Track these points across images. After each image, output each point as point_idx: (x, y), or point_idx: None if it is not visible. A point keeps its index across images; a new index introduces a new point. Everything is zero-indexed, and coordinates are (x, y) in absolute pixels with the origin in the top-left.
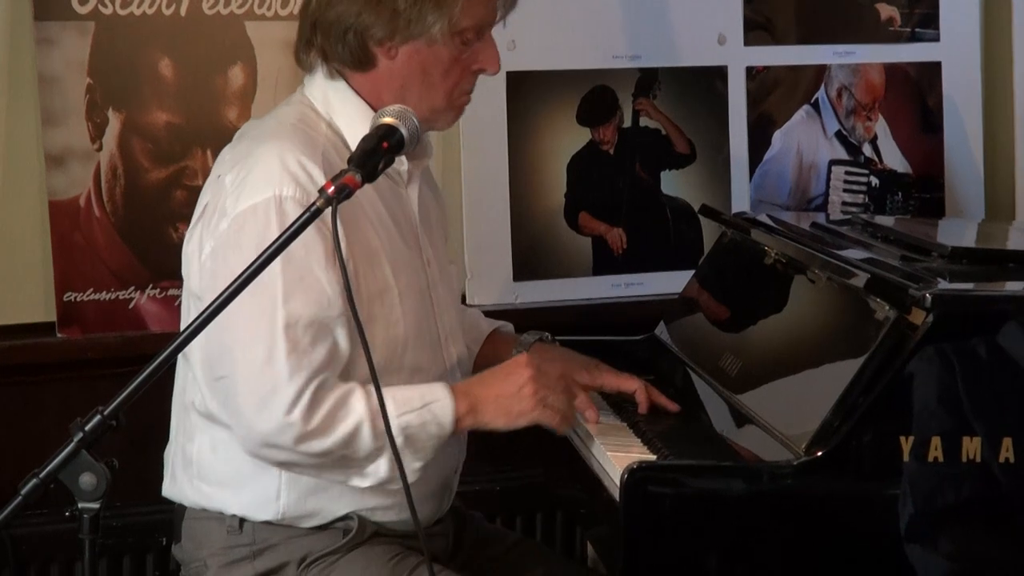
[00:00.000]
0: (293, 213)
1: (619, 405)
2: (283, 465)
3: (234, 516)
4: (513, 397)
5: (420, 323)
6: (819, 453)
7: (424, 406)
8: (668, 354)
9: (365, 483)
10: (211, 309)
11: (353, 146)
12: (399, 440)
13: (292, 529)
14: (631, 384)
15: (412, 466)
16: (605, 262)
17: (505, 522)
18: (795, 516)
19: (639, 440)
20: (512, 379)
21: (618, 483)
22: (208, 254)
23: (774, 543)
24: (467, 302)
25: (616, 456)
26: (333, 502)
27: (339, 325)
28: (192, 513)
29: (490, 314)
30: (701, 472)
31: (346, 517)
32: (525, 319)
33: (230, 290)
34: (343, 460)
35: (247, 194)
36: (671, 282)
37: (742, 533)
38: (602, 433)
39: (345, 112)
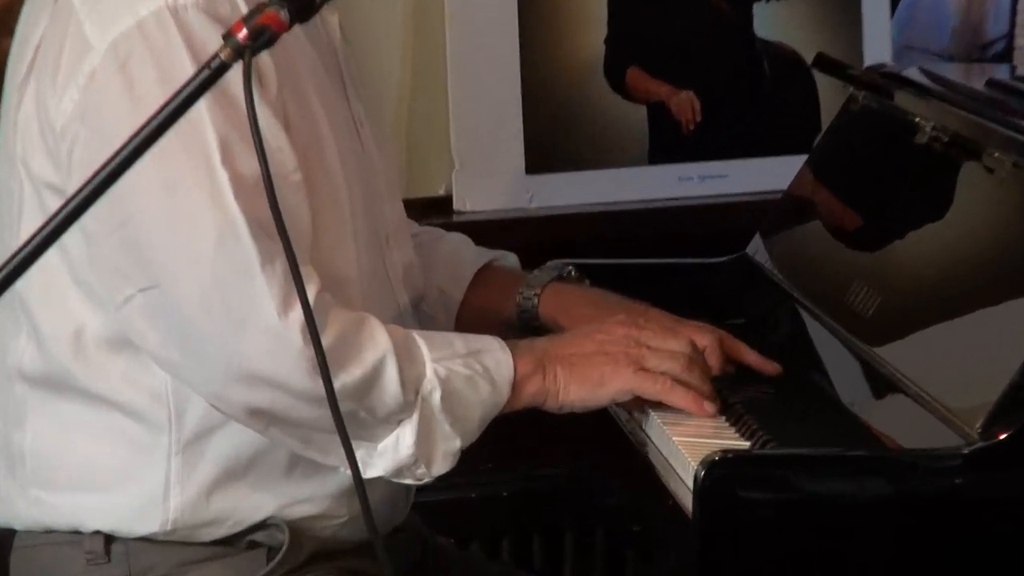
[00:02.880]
0: (202, 29)
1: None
2: (254, 417)
3: (97, 534)
4: (597, 356)
5: (359, 205)
6: (1001, 436)
7: (471, 354)
8: (765, 285)
9: (376, 467)
10: (96, 185)
11: None
12: (436, 396)
13: (187, 548)
14: (702, 337)
15: (449, 445)
16: (667, 144)
17: (516, 548)
18: (963, 530)
19: (721, 419)
20: (594, 335)
21: (690, 485)
22: (71, 113)
23: (927, 570)
24: (456, 208)
25: (686, 444)
26: (248, 499)
27: (295, 193)
28: (27, 539)
29: (489, 227)
30: (820, 467)
31: (267, 525)
32: (541, 234)
33: (131, 149)
34: (354, 418)
35: (118, 10)
36: (770, 174)
37: (880, 557)
38: (662, 408)
39: None
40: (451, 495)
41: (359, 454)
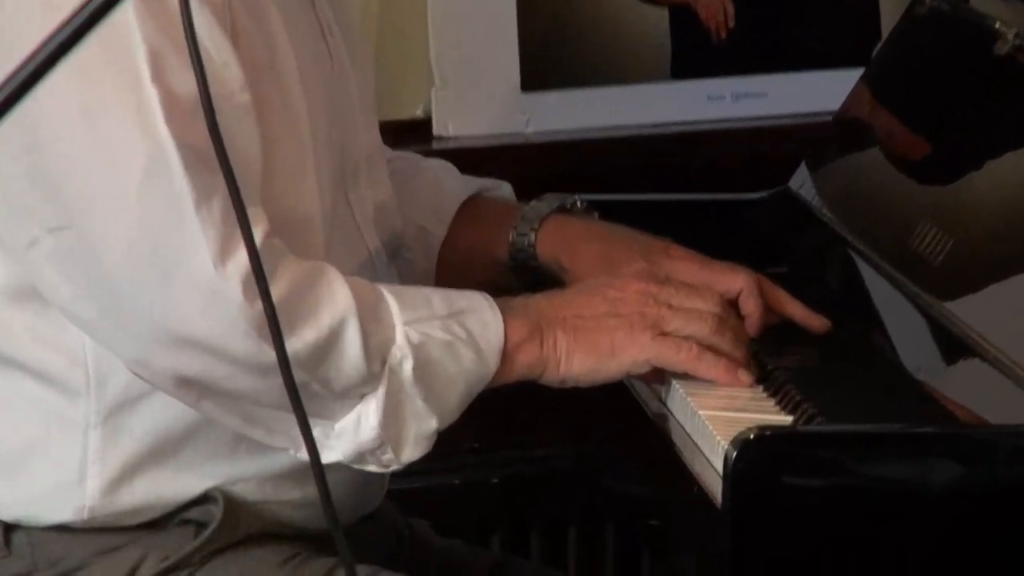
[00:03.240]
0: None
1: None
2: (184, 387)
3: None
4: (607, 318)
5: (322, 128)
6: None
7: (452, 315)
8: (812, 226)
9: (333, 451)
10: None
11: None
12: (407, 366)
13: (104, 535)
14: (735, 279)
15: (422, 426)
16: (694, 55)
17: (508, 544)
18: None
19: (758, 388)
20: (604, 291)
21: (720, 469)
22: None
23: (1001, 572)
24: (436, 133)
25: (715, 419)
26: (179, 482)
27: (242, 118)
28: None
29: (475, 157)
30: (877, 446)
31: (203, 500)
32: (539, 165)
33: (40, 60)
34: (305, 391)
35: None
36: (817, 92)
37: (948, 555)
38: (686, 376)
39: None
40: (430, 481)
41: (314, 435)
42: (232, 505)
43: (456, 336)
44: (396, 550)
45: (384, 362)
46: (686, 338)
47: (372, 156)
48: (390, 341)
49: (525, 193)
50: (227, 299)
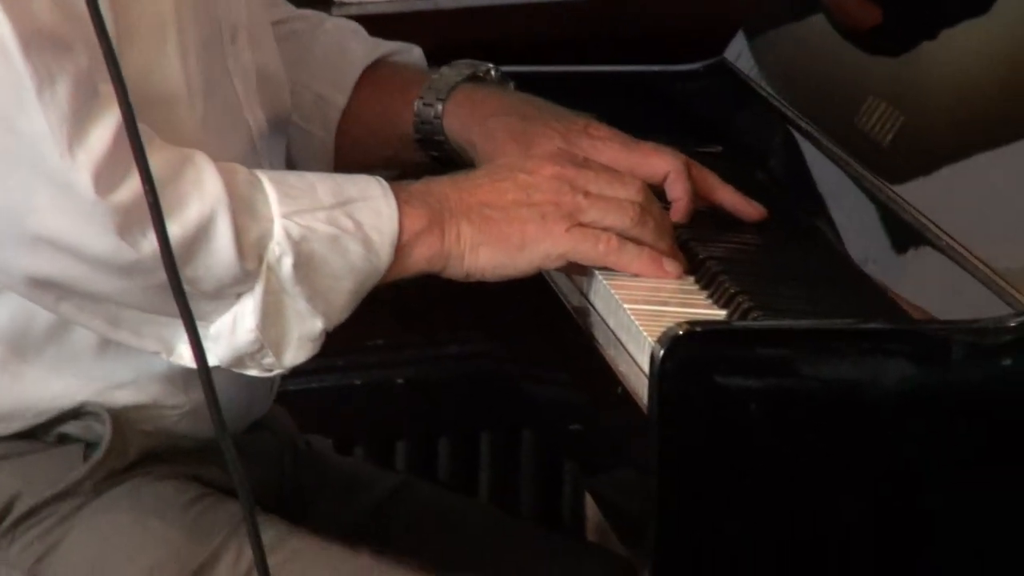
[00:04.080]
0: None
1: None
2: (40, 289)
3: None
4: (518, 208)
5: None
6: None
7: (339, 204)
8: (750, 101)
9: (208, 355)
10: None
11: None
12: (286, 263)
13: None
14: (661, 161)
15: (306, 327)
16: None
17: (415, 453)
18: (1010, 426)
19: (688, 280)
20: (514, 176)
21: (646, 368)
22: None
23: (952, 475)
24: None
25: (641, 313)
26: (46, 384)
27: None
28: None
29: (381, 24)
30: (821, 343)
31: (82, 413)
32: (454, 34)
33: None
34: (169, 289)
35: None
36: None
37: (898, 462)
38: (610, 268)
39: None
40: (327, 382)
41: (186, 337)
42: (118, 421)
43: (343, 229)
44: (291, 468)
45: (261, 259)
46: (605, 229)
47: (252, 17)
48: (267, 236)
49: (435, 65)
50: (78, 192)
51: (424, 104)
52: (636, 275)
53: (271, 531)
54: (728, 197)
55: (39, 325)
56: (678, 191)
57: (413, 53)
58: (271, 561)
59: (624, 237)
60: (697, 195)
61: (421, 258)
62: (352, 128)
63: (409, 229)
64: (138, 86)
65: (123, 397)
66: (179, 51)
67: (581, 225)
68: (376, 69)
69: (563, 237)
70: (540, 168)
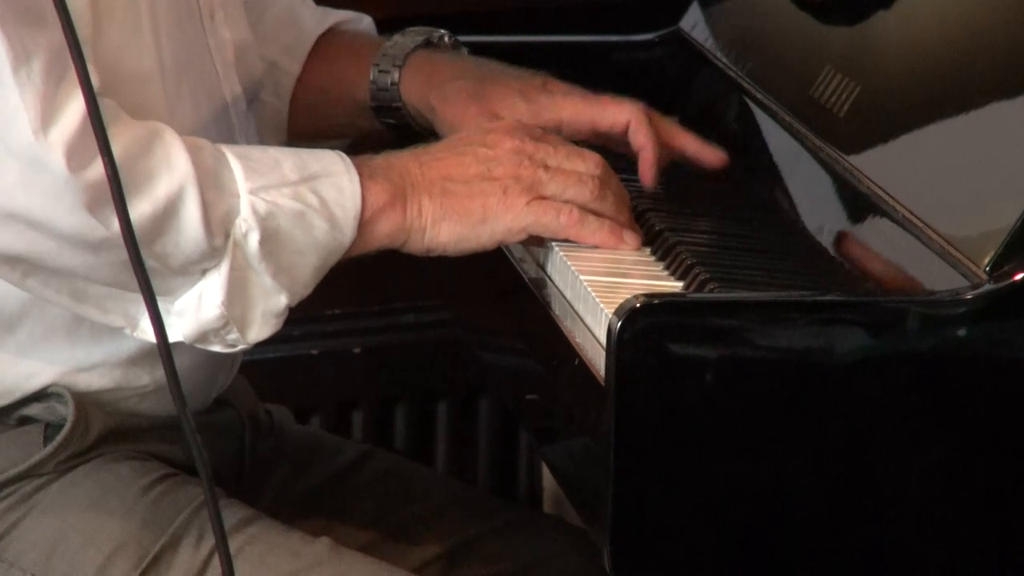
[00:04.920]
0: None
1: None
2: (8, 264)
3: None
4: (479, 182)
5: None
6: (1017, 277)
7: (303, 180)
8: (705, 71)
9: (173, 331)
10: None
11: None
12: (253, 239)
13: None
14: (621, 112)
15: (271, 303)
16: None
17: (372, 421)
18: (965, 397)
19: (645, 251)
20: (475, 150)
21: (603, 340)
22: None
23: (905, 445)
24: None
25: (598, 285)
26: (15, 366)
27: None
28: None
29: (321, 3)
30: (777, 315)
31: (45, 395)
32: (407, 5)
33: None
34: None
35: None
36: None
37: (855, 434)
38: (567, 241)
39: None
40: (285, 352)
41: (140, 309)
42: (81, 403)
43: (308, 204)
44: (253, 439)
45: (228, 235)
46: (565, 203)
47: None
48: (234, 212)
49: (386, 24)
50: (50, 170)
51: (380, 71)
52: (596, 247)
53: (232, 515)
54: (689, 143)
55: (11, 304)
56: (642, 138)
57: (363, 22)
58: (232, 545)
59: (584, 210)
60: (660, 143)
61: (383, 233)
62: (306, 96)
63: (372, 205)
64: (112, 64)
65: (89, 379)
66: (152, 29)
67: (542, 198)
68: (328, 37)
69: (524, 210)
70: (500, 142)
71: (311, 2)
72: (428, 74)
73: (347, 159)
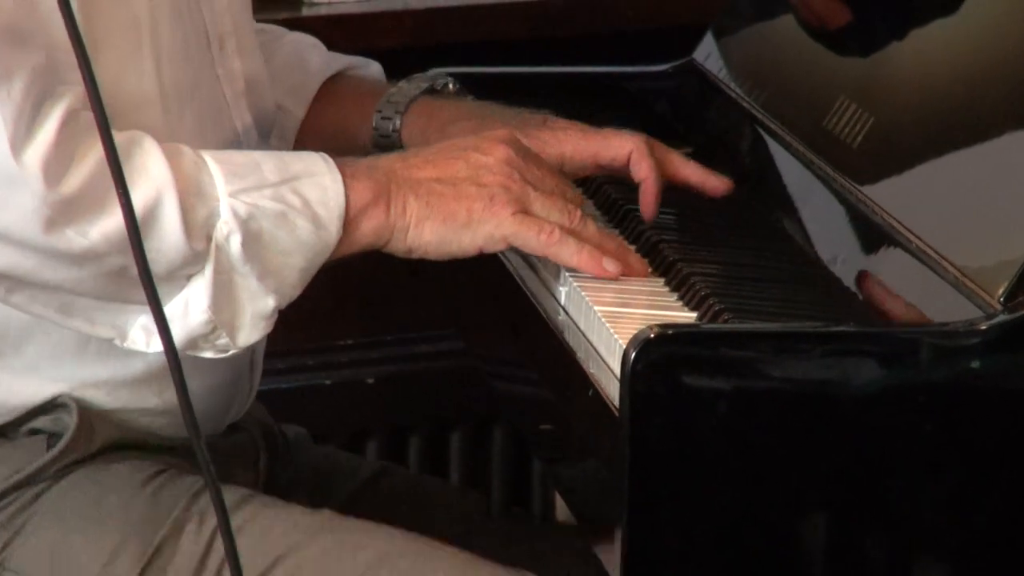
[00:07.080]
0: None
1: (612, 204)
2: None
3: None
4: (467, 185)
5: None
6: None
7: (284, 182)
8: (718, 102)
9: (160, 340)
10: None
11: None
12: (234, 241)
13: None
14: (622, 144)
15: (259, 305)
16: None
17: (386, 450)
18: (978, 428)
19: (659, 282)
20: (467, 154)
21: (617, 370)
22: None
23: (920, 476)
24: None
25: (612, 315)
26: (21, 386)
27: None
28: None
29: (350, 25)
30: (791, 346)
31: (52, 407)
32: (421, 36)
33: None
34: (123, 276)
35: None
36: None
37: (869, 464)
38: (578, 272)
39: None
40: (298, 382)
41: (139, 322)
42: (86, 413)
43: (289, 205)
44: (269, 460)
45: (210, 238)
46: (546, 214)
47: (238, 25)
48: (214, 215)
49: (403, 65)
50: (26, 186)
51: (382, 118)
52: (575, 270)
53: (230, 496)
54: (693, 173)
55: (15, 323)
56: (644, 170)
57: (371, 68)
58: (233, 524)
59: (566, 231)
60: (662, 174)
61: (367, 232)
62: (309, 140)
63: (356, 203)
64: (108, 87)
65: (95, 396)
66: (153, 56)
67: (527, 213)
68: (334, 82)
69: (508, 220)
70: (492, 148)
71: (322, 47)
72: (429, 118)
73: (329, 159)
